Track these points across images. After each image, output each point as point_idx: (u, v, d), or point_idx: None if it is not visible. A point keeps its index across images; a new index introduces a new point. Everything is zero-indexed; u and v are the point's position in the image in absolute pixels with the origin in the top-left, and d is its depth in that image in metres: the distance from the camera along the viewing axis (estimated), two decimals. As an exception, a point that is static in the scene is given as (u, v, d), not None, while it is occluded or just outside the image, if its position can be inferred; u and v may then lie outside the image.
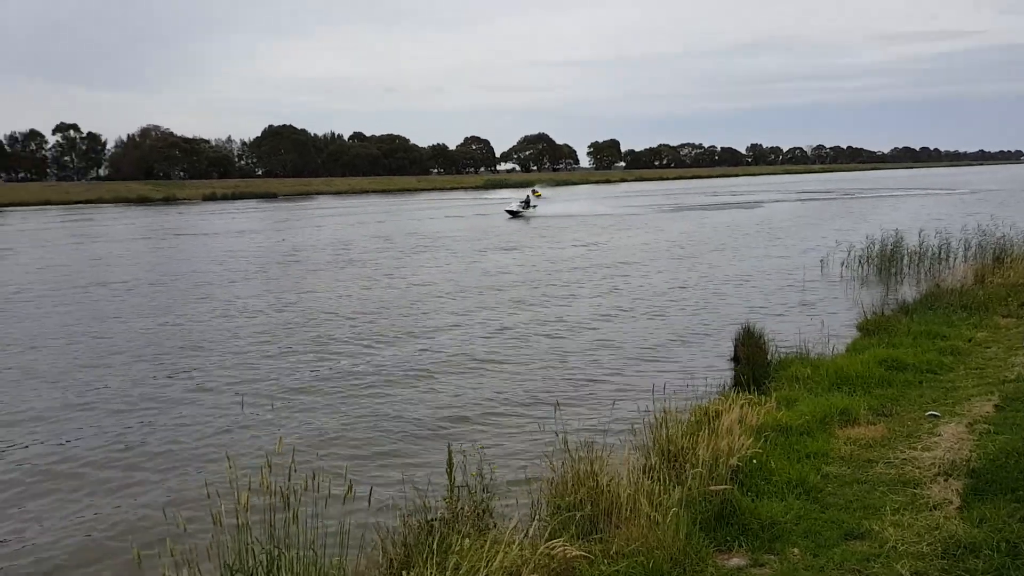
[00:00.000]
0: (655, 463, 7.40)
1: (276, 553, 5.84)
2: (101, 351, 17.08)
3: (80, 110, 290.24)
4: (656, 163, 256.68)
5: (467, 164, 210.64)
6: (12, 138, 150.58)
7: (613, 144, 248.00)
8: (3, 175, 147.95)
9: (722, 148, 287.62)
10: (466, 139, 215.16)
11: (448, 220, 62.38)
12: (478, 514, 6.68)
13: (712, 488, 6.77)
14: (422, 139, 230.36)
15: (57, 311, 22.49)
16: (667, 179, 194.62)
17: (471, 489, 6.80)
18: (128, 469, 10.37)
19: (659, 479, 6.88)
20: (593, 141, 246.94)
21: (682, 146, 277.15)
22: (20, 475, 10.29)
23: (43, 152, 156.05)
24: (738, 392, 10.38)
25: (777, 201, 79.55)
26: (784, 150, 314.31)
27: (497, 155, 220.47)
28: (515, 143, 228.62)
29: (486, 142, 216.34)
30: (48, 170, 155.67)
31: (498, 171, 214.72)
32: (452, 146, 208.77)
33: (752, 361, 12.34)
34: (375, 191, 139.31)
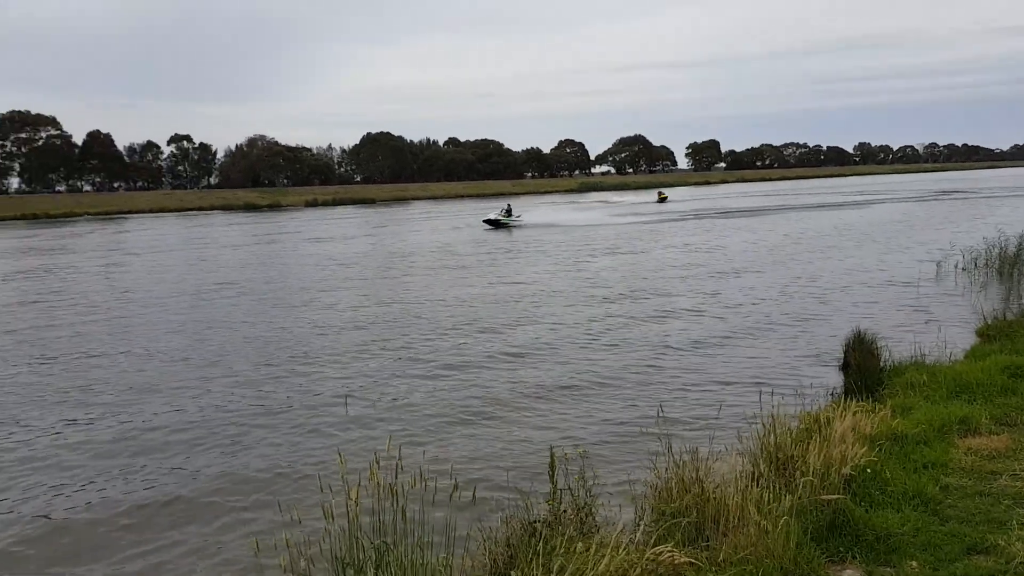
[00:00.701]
0: (763, 470, 7.21)
1: (384, 548, 5.97)
2: (214, 353, 17.86)
3: (192, 122, 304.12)
4: (758, 164, 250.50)
5: (561, 167, 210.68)
6: (131, 149, 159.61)
7: (712, 145, 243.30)
8: (123, 184, 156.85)
9: (828, 147, 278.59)
10: (560, 142, 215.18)
11: (541, 223, 62.35)
12: (581, 518, 6.67)
13: (824, 497, 6.56)
14: (516, 143, 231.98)
15: (174, 316, 23.65)
16: (770, 180, 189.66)
17: (573, 492, 6.79)
18: (242, 464, 10.81)
19: (768, 487, 6.71)
20: (692, 142, 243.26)
21: (786, 146, 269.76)
22: (144, 470, 10.86)
23: (159, 162, 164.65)
24: (849, 399, 10.01)
25: (887, 202, 76.40)
26: (894, 149, 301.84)
27: (592, 158, 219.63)
28: (610, 146, 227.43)
29: (580, 145, 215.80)
30: (163, 179, 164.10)
31: (593, 174, 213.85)
32: (546, 150, 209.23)
33: (864, 367, 11.87)
34: (469, 195, 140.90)
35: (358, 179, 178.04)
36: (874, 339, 12.79)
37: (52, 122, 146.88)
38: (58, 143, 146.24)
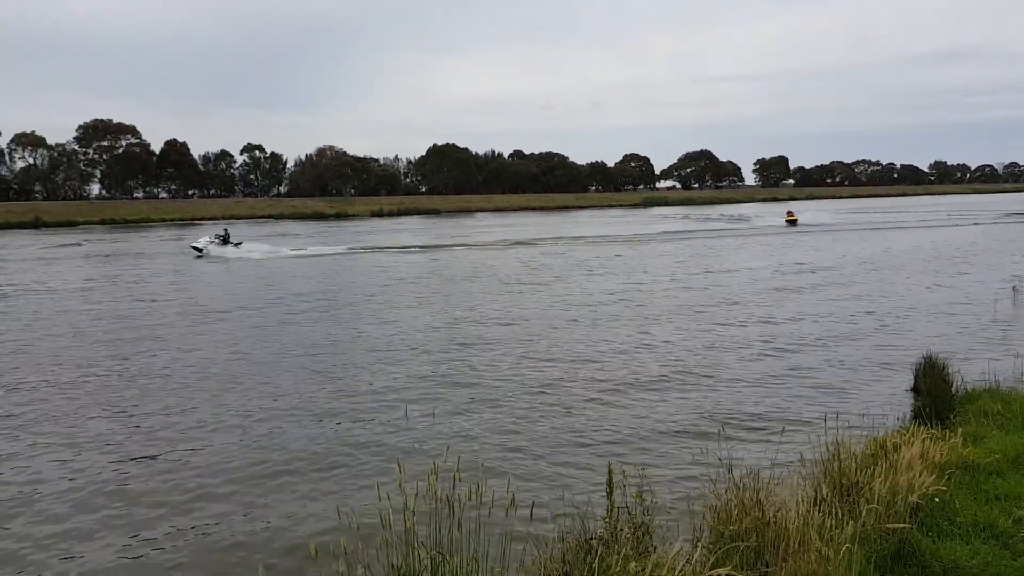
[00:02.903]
0: (826, 496, 7.05)
1: (440, 559, 6.01)
2: (272, 362, 18.24)
3: (264, 132, 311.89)
4: (828, 181, 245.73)
5: (625, 181, 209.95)
6: (205, 158, 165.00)
7: (781, 161, 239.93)
8: (197, 192, 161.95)
9: (902, 165, 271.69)
10: (625, 156, 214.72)
11: (606, 238, 62.10)
12: (638, 536, 6.60)
13: (889, 526, 6.39)
14: (580, 156, 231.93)
15: (242, 326, 24.22)
16: (840, 197, 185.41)
17: (631, 511, 6.74)
18: (301, 469, 11.00)
19: (831, 513, 6.57)
20: (759, 158, 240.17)
21: (857, 163, 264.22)
22: (206, 476, 11.15)
23: (232, 171, 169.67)
24: (918, 425, 9.72)
25: (964, 225, 73.87)
26: (972, 168, 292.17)
27: (657, 172, 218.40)
28: (676, 160, 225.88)
29: (645, 159, 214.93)
30: (236, 187, 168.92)
31: (657, 188, 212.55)
32: (611, 163, 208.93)
33: (934, 393, 11.50)
34: (533, 208, 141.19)
35: (423, 190, 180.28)
36: (946, 364, 12.40)
37: (132, 131, 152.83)
38: (137, 151, 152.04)
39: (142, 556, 8.64)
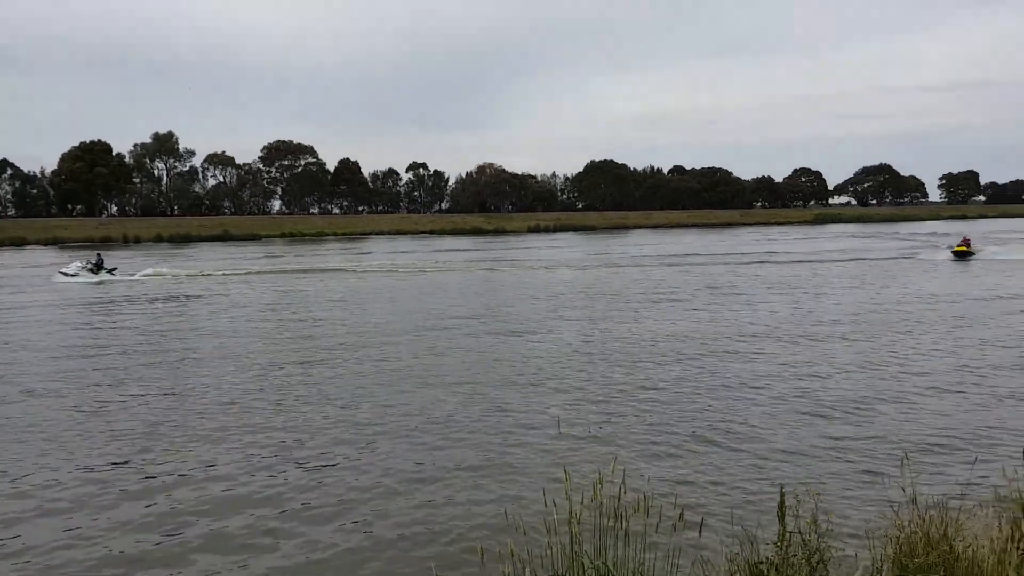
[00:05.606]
0: (1026, 534, 6.47)
1: (604, 570, 6.00)
2: (439, 370, 18.83)
3: (428, 151, 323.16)
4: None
5: (794, 197, 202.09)
6: (374, 176, 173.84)
7: (970, 176, 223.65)
8: (366, 208, 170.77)
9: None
10: (794, 171, 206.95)
11: (776, 258, 59.94)
12: (812, 564, 6.31)
13: (1104, 572, 5.77)
14: (745, 172, 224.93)
15: (409, 335, 25.18)
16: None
17: (804, 536, 6.45)
18: (471, 476, 11.27)
19: (1032, 553, 6.02)
20: (946, 172, 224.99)
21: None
22: (374, 476, 11.64)
23: (397, 187, 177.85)
24: None
25: None
26: None
27: (830, 187, 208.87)
28: (851, 175, 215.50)
29: (817, 174, 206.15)
30: (401, 203, 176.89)
31: (830, 205, 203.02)
32: (778, 178, 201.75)
33: None
34: (693, 225, 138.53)
35: (580, 206, 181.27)
36: None
37: (310, 151, 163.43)
38: (314, 170, 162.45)
39: (313, 553, 9.13)
